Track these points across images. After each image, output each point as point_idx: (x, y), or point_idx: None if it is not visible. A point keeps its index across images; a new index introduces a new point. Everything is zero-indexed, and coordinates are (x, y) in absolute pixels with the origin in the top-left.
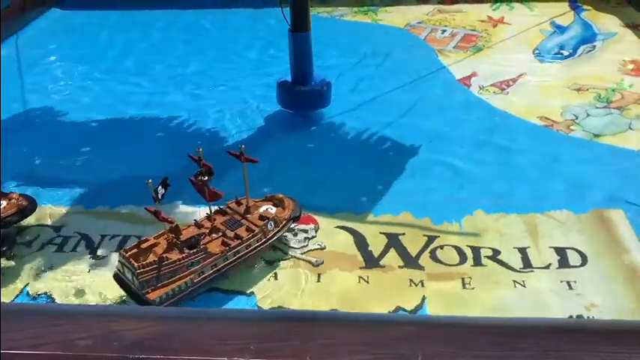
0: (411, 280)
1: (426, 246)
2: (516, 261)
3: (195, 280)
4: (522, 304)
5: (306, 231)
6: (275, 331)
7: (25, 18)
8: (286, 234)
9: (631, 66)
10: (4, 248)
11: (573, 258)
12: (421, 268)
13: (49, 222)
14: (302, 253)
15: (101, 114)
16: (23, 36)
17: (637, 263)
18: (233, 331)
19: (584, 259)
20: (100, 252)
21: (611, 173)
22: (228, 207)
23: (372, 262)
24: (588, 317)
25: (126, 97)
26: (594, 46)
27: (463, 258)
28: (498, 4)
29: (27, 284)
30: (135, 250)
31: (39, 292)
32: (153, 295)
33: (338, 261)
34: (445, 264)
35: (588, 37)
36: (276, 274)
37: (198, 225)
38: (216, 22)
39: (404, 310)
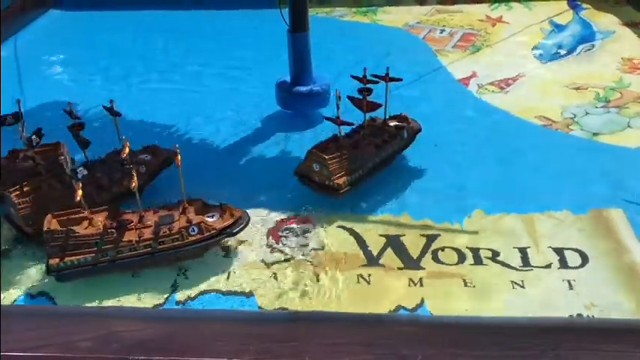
0: (410, 279)
1: (425, 246)
2: (516, 261)
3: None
4: (522, 303)
5: (305, 231)
6: (275, 331)
7: (23, 19)
8: (287, 235)
9: (630, 64)
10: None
11: (573, 258)
12: (421, 268)
13: None
14: (302, 254)
15: (98, 114)
16: (22, 37)
17: (636, 262)
18: (233, 331)
19: (585, 259)
20: None
21: (610, 172)
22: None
23: (371, 261)
24: (588, 316)
25: (124, 96)
26: (593, 45)
27: (463, 258)
28: (497, 3)
29: (27, 285)
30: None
31: (39, 293)
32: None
33: (338, 261)
34: (445, 264)
35: (587, 36)
36: (275, 274)
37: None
38: (214, 23)
39: (404, 309)
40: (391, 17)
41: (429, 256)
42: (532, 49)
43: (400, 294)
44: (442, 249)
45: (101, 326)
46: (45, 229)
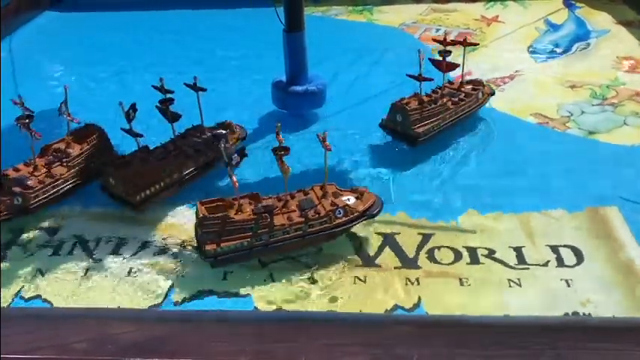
0: (407, 279)
1: (422, 245)
2: (512, 259)
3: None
4: (519, 301)
5: None
6: (271, 332)
7: (19, 19)
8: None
9: (625, 62)
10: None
11: (569, 256)
12: (417, 267)
13: (45, 225)
14: (297, 254)
15: (95, 115)
16: (17, 37)
17: (632, 260)
18: (229, 332)
19: (580, 257)
20: (95, 255)
21: (606, 170)
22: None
23: (368, 261)
24: (584, 314)
25: (121, 97)
26: (588, 44)
27: (459, 257)
28: (492, 2)
29: (22, 287)
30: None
31: (33, 295)
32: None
33: (334, 261)
34: (441, 263)
35: (582, 35)
36: (271, 274)
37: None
38: (208, 23)
39: (401, 308)
40: (387, 16)
41: (425, 255)
42: (527, 48)
43: (397, 294)
44: (438, 248)
45: (96, 328)
46: (200, 215)
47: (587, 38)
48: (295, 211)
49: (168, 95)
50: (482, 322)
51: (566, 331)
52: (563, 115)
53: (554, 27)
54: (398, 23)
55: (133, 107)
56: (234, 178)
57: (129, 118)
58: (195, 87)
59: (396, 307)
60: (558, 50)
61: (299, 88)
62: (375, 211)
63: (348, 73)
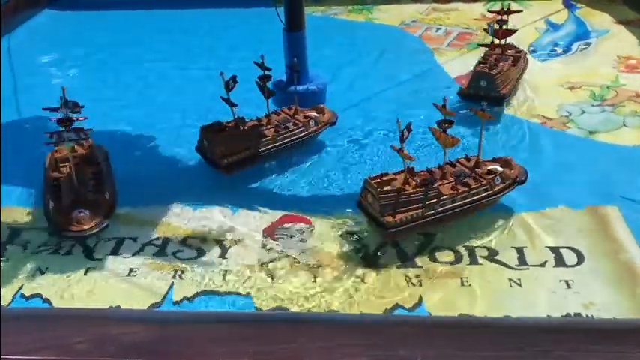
0: (408, 278)
1: (423, 245)
2: (513, 259)
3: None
4: (519, 302)
5: (302, 230)
6: (273, 333)
7: (17, 18)
8: (283, 235)
9: (624, 63)
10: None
11: (570, 256)
12: (418, 266)
13: (45, 224)
14: (298, 253)
15: (94, 115)
16: (16, 36)
17: (633, 260)
18: (231, 333)
19: (581, 257)
20: (95, 254)
21: (605, 170)
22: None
23: (368, 261)
24: (587, 315)
25: (122, 97)
26: (588, 44)
27: (459, 257)
28: (493, 2)
29: (22, 286)
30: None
31: (34, 294)
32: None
33: (334, 260)
34: (442, 263)
35: (582, 35)
36: (272, 274)
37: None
38: (208, 22)
39: (402, 307)
40: (387, 16)
41: (426, 255)
42: (528, 48)
43: (398, 293)
44: (439, 248)
45: (97, 328)
46: (378, 190)
47: (587, 38)
48: (454, 181)
49: (267, 72)
50: (484, 322)
51: (569, 332)
52: (562, 115)
53: (554, 27)
54: (398, 22)
55: (234, 79)
56: (406, 152)
57: (228, 88)
58: (262, 65)
59: (397, 306)
60: (558, 50)
61: (299, 88)
62: (523, 178)
63: (349, 72)
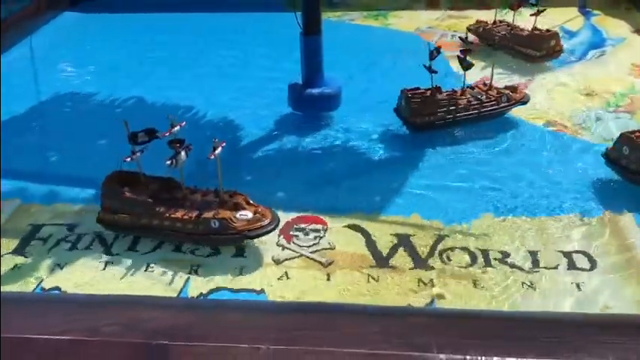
0: (420, 280)
1: (435, 247)
2: (526, 263)
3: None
4: (532, 304)
5: (316, 230)
6: (293, 321)
7: (38, 20)
8: (297, 233)
9: None
10: None
11: (582, 261)
12: (431, 268)
13: (64, 220)
14: (312, 252)
15: (111, 114)
16: (37, 37)
17: None
18: (253, 320)
19: (594, 263)
20: (113, 250)
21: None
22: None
23: (381, 262)
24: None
25: (140, 97)
26: (604, 51)
27: (473, 259)
28: (507, 9)
29: (42, 279)
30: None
31: (53, 287)
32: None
33: (348, 260)
34: (455, 265)
35: (598, 42)
36: (286, 272)
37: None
38: (228, 25)
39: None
40: (402, 22)
41: (438, 257)
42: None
43: (410, 293)
44: (452, 250)
45: (125, 313)
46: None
47: (602, 46)
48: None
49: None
50: (498, 315)
51: (581, 326)
52: (577, 123)
53: (569, 34)
54: (413, 28)
55: (437, 49)
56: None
57: (432, 57)
58: (465, 40)
59: (409, 306)
60: (573, 58)
61: (315, 91)
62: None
63: (363, 77)
